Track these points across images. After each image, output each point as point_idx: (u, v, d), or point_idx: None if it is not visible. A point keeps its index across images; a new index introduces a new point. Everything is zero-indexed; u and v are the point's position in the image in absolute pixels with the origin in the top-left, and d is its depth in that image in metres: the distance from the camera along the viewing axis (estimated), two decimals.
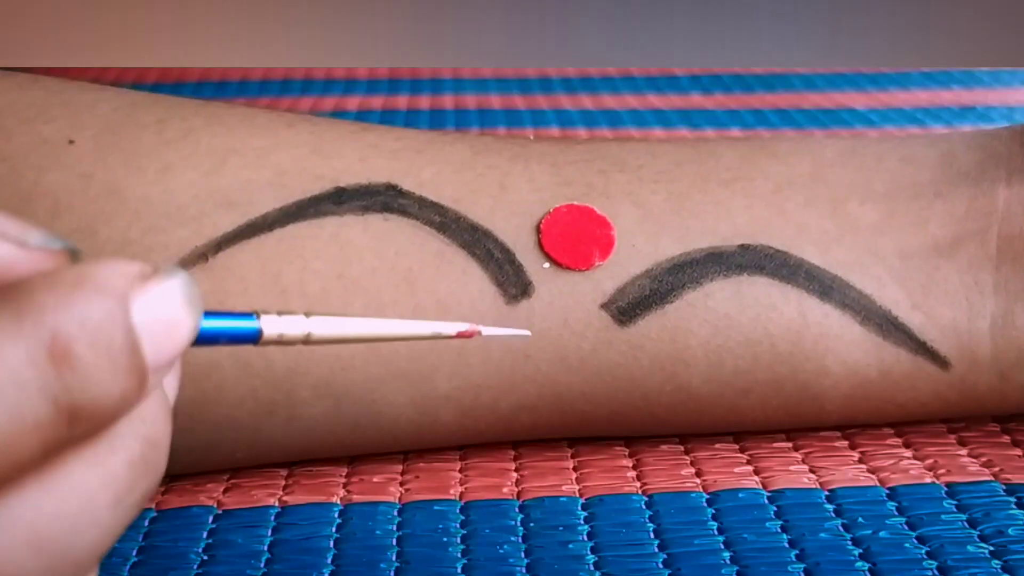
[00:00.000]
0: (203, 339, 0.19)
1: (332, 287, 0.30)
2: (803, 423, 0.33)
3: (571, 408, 0.31)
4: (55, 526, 0.17)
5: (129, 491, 0.18)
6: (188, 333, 0.18)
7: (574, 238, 0.31)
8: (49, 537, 0.17)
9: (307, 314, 0.21)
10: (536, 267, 0.30)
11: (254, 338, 0.21)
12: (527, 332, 0.28)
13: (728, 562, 0.28)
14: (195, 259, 0.29)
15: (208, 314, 0.19)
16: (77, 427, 0.17)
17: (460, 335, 0.24)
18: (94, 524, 0.18)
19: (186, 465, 0.31)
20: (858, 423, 0.33)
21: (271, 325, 0.21)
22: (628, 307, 0.31)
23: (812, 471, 0.31)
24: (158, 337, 0.18)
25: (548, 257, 0.31)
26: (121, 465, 0.18)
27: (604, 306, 0.31)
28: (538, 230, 0.31)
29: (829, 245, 0.31)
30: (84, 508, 0.17)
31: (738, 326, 0.31)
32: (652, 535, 0.29)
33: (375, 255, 0.30)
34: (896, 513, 0.29)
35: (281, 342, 0.21)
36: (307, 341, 0.21)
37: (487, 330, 0.24)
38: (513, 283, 0.30)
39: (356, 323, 0.22)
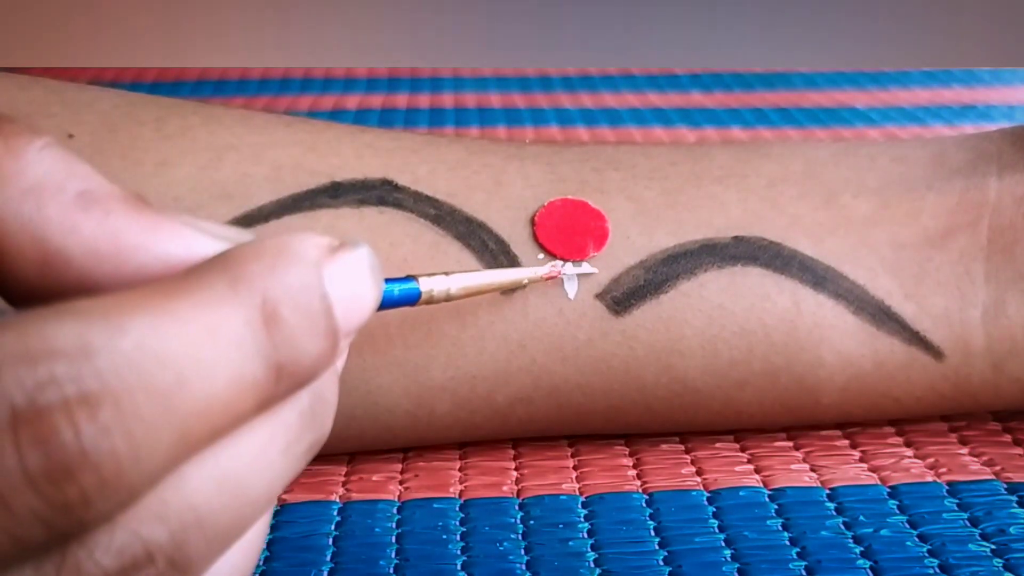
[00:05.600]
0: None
1: None
2: (800, 419, 0.33)
3: (568, 401, 0.31)
4: (236, 467, 0.19)
5: (298, 440, 0.20)
6: (373, 302, 0.20)
7: (568, 230, 0.31)
8: (231, 477, 0.19)
9: (447, 273, 0.26)
10: (531, 258, 0.31)
11: (414, 299, 0.24)
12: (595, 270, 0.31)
13: (729, 560, 0.27)
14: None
15: None
16: (281, 384, 0.19)
17: (547, 276, 0.30)
18: (268, 468, 0.19)
19: None
20: (855, 419, 0.33)
21: (425, 285, 0.25)
22: (623, 297, 0.31)
23: (813, 470, 0.31)
24: (347, 304, 0.19)
25: (542, 249, 0.31)
26: (293, 415, 0.20)
27: (599, 296, 0.31)
28: (532, 222, 0.31)
29: (822, 236, 0.32)
30: (261, 452, 0.19)
31: (732, 316, 0.31)
32: (653, 532, 0.29)
33: (370, 246, 0.30)
34: (897, 512, 0.29)
35: (431, 301, 0.25)
36: (448, 298, 0.26)
37: (567, 270, 0.30)
38: None
39: (484, 275, 0.28)
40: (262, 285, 0.18)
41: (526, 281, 0.30)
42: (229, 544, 0.19)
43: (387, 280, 0.23)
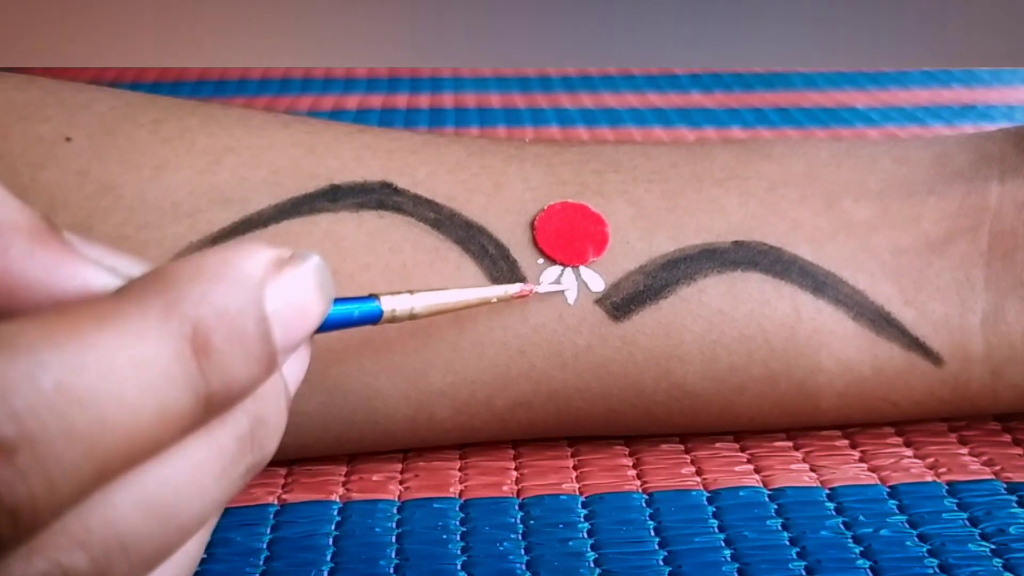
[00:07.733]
0: (331, 324, 0.21)
1: None
2: (799, 423, 0.33)
3: (567, 405, 0.31)
4: (165, 491, 0.18)
5: (234, 464, 0.19)
6: (317, 318, 0.19)
7: (568, 235, 0.31)
8: (158, 503, 0.18)
9: (411, 292, 0.25)
10: (530, 263, 0.30)
11: (375, 319, 0.23)
12: (569, 288, 0.30)
13: (729, 560, 0.27)
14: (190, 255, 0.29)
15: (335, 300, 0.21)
16: (210, 412, 0.18)
17: (517, 295, 0.29)
18: (200, 493, 0.19)
19: None
20: (853, 423, 0.33)
21: (387, 304, 0.24)
22: (622, 302, 0.31)
23: (813, 470, 0.31)
24: (288, 322, 0.19)
25: (542, 253, 0.31)
26: (230, 439, 0.19)
27: (599, 301, 0.31)
28: (532, 227, 0.31)
29: (823, 242, 0.31)
30: (192, 478, 0.18)
31: (732, 321, 0.31)
32: (652, 532, 0.29)
33: (369, 251, 0.30)
34: (897, 511, 0.29)
35: (394, 320, 0.24)
36: (412, 316, 0.25)
37: (540, 288, 0.30)
38: (507, 279, 0.30)
39: (450, 294, 0.27)
40: (195, 312, 0.18)
41: (495, 299, 0.29)
42: (153, 567, 0.19)
43: (348, 299, 0.22)
